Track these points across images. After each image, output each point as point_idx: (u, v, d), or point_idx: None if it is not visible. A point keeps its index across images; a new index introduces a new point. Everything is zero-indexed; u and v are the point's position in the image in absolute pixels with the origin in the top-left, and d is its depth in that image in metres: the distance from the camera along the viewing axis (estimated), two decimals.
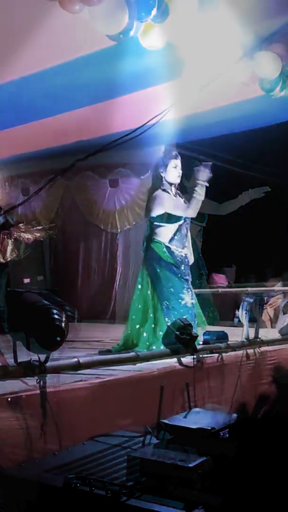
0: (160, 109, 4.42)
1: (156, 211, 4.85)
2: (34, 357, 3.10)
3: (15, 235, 7.50)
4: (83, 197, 8.27)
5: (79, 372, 3.51)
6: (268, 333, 5.32)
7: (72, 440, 2.50)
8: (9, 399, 2.96)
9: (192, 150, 7.81)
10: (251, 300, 4.67)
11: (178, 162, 4.92)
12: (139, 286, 4.91)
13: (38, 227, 8.05)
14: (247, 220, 8.85)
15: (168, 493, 1.63)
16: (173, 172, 4.87)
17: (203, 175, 4.84)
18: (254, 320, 4.69)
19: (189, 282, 4.90)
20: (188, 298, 4.80)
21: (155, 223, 4.87)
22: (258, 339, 4.72)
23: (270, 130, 6.33)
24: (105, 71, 4.65)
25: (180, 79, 4.66)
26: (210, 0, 3.87)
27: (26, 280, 7.87)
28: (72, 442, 2.36)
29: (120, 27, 3.68)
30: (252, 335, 4.69)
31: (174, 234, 4.86)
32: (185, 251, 4.92)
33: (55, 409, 3.02)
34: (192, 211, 4.88)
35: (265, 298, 6.70)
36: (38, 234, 7.95)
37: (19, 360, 3.17)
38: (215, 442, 1.82)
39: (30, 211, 8.48)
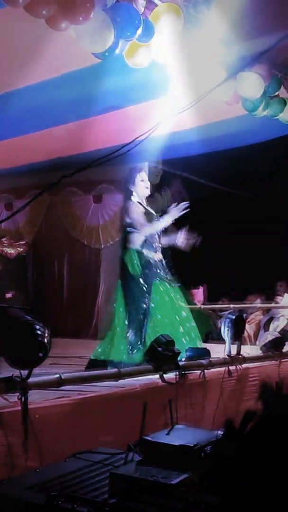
0: (144, 126, 4.44)
1: (126, 220, 5.01)
2: (16, 372, 3.08)
3: None
4: (67, 213, 8.28)
5: (61, 388, 3.50)
6: (249, 349, 5.34)
7: (53, 457, 2.48)
8: None
9: (174, 167, 7.89)
10: (233, 317, 4.69)
11: (144, 175, 5.12)
12: (114, 302, 5.02)
13: (21, 242, 8.04)
14: (225, 238, 8.91)
15: (151, 510, 1.62)
16: (141, 185, 5.03)
17: (175, 214, 5.01)
18: (236, 337, 4.72)
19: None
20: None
21: (127, 228, 5.01)
22: (240, 356, 4.74)
23: (252, 148, 6.42)
24: (90, 89, 4.69)
25: (165, 97, 4.71)
26: (195, 21, 3.94)
27: (9, 295, 7.83)
28: (53, 459, 2.34)
29: (106, 45, 3.72)
30: (234, 351, 4.71)
31: (145, 240, 4.99)
32: (158, 256, 5.03)
33: (37, 426, 3.00)
34: (146, 231, 4.98)
35: (244, 315, 6.76)
36: (21, 249, 7.94)
37: (0, 376, 3.15)
38: (198, 459, 1.83)
39: (13, 225, 8.45)
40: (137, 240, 4.97)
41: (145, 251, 4.96)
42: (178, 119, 4.95)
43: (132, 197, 5.01)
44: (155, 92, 4.80)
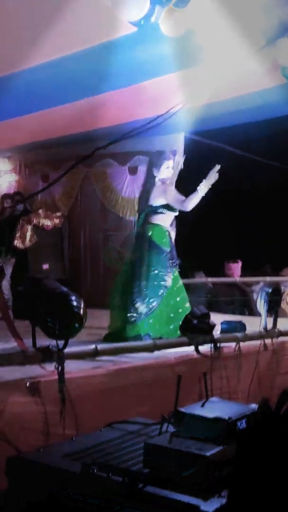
0: (179, 96, 4.37)
1: (159, 201, 5.10)
2: (53, 342, 3.13)
3: (34, 222, 7.55)
4: (102, 185, 8.27)
5: (96, 358, 3.54)
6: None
7: (89, 426, 2.52)
8: (27, 384, 3.00)
9: (210, 138, 7.77)
10: (270, 290, 4.65)
11: (170, 163, 5.26)
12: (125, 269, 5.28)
13: (57, 214, 8.08)
14: (261, 212, 8.75)
15: (185, 481, 1.64)
16: (165, 172, 5.19)
17: (213, 178, 5.02)
18: (272, 310, 4.68)
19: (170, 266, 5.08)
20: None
21: (157, 210, 5.12)
22: (276, 329, 4.71)
23: None
24: (125, 58, 4.62)
25: (201, 66, 4.62)
26: None
27: (45, 266, 7.92)
28: (89, 428, 2.38)
29: (142, 13, 3.66)
30: (270, 325, 4.68)
31: (172, 221, 5.31)
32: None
33: (73, 395, 3.05)
34: (190, 205, 5.05)
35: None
36: (57, 221, 7.98)
37: (38, 346, 3.22)
38: (232, 432, 1.83)
39: (49, 197, 8.50)
40: (166, 219, 5.14)
41: (171, 233, 5.24)
42: (213, 89, 4.85)
43: (155, 183, 5.15)
44: (191, 61, 4.69)
